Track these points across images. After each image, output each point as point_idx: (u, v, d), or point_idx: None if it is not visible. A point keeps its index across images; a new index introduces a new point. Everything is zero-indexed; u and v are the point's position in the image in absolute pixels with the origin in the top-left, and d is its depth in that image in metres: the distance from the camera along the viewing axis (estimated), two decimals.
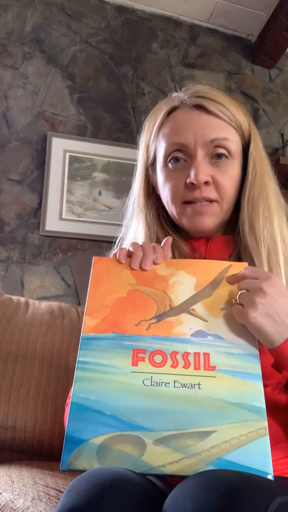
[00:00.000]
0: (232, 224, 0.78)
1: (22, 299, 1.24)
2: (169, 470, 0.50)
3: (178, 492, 0.48)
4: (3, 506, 0.63)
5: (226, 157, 0.72)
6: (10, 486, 0.74)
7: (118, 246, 0.85)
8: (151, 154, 0.79)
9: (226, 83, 2.35)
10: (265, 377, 0.68)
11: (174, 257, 0.76)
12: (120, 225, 0.87)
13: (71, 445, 0.52)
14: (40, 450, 0.99)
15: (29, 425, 0.98)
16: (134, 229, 0.82)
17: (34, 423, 0.98)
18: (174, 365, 0.56)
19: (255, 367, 0.56)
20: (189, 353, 0.57)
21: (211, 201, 0.72)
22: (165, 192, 0.76)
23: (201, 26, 2.37)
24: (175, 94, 0.77)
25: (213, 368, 0.56)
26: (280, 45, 2.28)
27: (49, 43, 2.09)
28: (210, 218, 0.73)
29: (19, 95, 2.00)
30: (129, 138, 2.09)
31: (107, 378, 0.56)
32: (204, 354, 0.57)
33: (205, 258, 0.76)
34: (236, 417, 0.53)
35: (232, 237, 0.77)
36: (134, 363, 0.56)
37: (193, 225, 0.74)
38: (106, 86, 2.14)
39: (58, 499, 0.68)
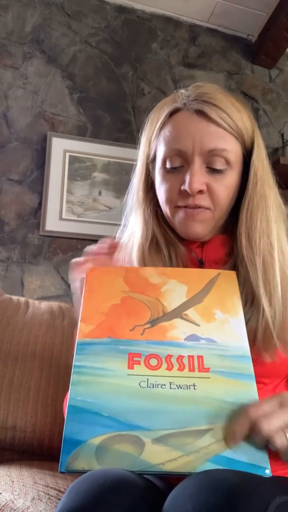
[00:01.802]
0: (230, 225, 0.77)
1: (22, 299, 1.24)
2: (168, 468, 0.50)
3: (178, 492, 0.48)
4: (3, 506, 0.63)
5: (224, 167, 0.71)
6: (10, 486, 0.74)
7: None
8: (152, 152, 0.79)
9: (226, 83, 2.35)
10: (265, 375, 0.68)
11: (170, 256, 0.76)
12: (120, 225, 0.87)
13: (69, 446, 0.52)
14: (40, 450, 0.99)
15: (29, 425, 0.98)
16: (132, 224, 0.82)
17: (34, 423, 0.98)
18: (169, 368, 0.57)
19: (248, 367, 0.58)
20: (183, 356, 0.58)
21: (204, 208, 0.72)
22: (160, 194, 0.76)
23: (201, 26, 2.37)
24: (180, 91, 0.76)
25: (207, 370, 0.57)
26: (280, 45, 2.28)
27: (49, 43, 2.09)
28: (201, 225, 0.73)
29: (19, 95, 2.00)
30: (129, 138, 2.09)
31: (103, 381, 0.56)
32: (198, 357, 0.58)
33: (201, 259, 0.77)
34: (231, 415, 0.54)
35: (228, 236, 0.77)
36: (130, 366, 0.57)
37: (184, 230, 0.74)
38: (106, 86, 2.14)
39: (58, 499, 0.68)
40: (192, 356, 0.58)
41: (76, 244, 1.92)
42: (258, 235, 0.70)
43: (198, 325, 0.61)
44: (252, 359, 0.64)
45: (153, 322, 0.61)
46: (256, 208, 0.71)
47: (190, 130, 0.71)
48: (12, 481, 0.76)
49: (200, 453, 0.51)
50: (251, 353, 0.63)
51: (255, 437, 0.51)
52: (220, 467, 0.50)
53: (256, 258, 0.69)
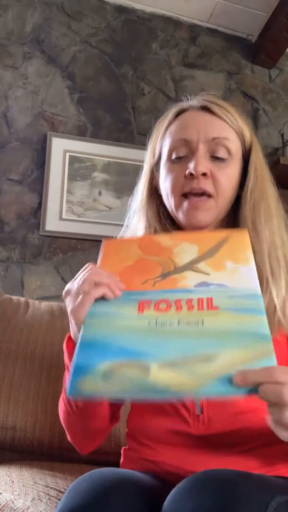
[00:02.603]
0: (231, 223, 0.79)
1: (22, 299, 1.24)
2: (174, 388, 0.49)
3: (178, 492, 0.48)
4: (3, 506, 0.63)
5: (226, 156, 0.76)
6: (10, 486, 0.74)
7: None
8: (157, 153, 0.83)
9: (226, 83, 2.35)
10: None
11: None
12: (120, 225, 0.88)
13: (78, 371, 0.52)
14: (40, 450, 0.99)
15: (29, 425, 0.98)
16: (134, 225, 0.85)
17: (34, 423, 0.98)
18: (178, 310, 0.58)
19: (258, 304, 0.56)
20: (192, 299, 0.58)
21: (207, 194, 0.75)
22: (165, 185, 0.79)
23: (201, 26, 2.37)
24: (185, 100, 0.83)
25: (216, 308, 0.56)
26: (280, 45, 2.28)
27: (49, 43, 2.09)
28: (205, 213, 0.75)
29: (19, 95, 2.00)
30: (129, 138, 2.09)
31: (114, 322, 0.57)
32: (207, 298, 0.58)
33: None
34: (240, 342, 0.52)
35: None
36: (140, 310, 0.58)
37: (189, 219, 0.76)
38: (106, 86, 2.14)
39: (58, 499, 0.69)
40: (202, 298, 0.58)
41: (76, 244, 1.92)
42: (263, 221, 0.74)
43: (209, 274, 0.62)
44: None
45: (164, 276, 0.63)
46: (259, 198, 0.77)
47: (195, 122, 0.77)
48: (12, 481, 0.77)
49: (207, 373, 0.50)
50: None
51: (271, 402, 0.46)
52: (226, 388, 0.47)
53: (261, 242, 0.72)
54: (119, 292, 0.60)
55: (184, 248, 0.67)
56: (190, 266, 0.64)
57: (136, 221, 0.85)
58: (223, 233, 0.68)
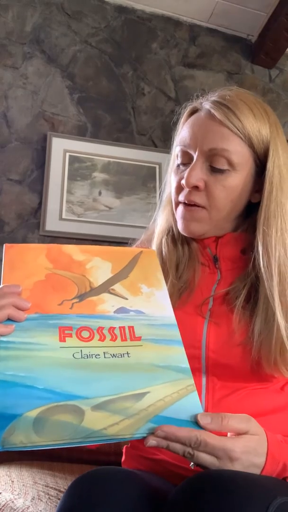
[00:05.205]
0: (247, 222, 0.77)
1: None
2: (111, 432, 0.49)
3: (179, 492, 0.48)
4: (3, 506, 0.63)
5: (226, 167, 0.71)
6: (10, 486, 0.74)
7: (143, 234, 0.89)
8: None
9: (226, 83, 2.34)
10: (263, 379, 0.68)
11: (184, 252, 0.78)
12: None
13: (3, 422, 0.48)
14: (40, 450, 0.99)
15: None
16: (159, 217, 0.85)
17: None
18: (101, 339, 0.57)
19: (175, 334, 0.60)
20: (114, 328, 0.59)
21: (199, 206, 0.73)
22: (171, 188, 0.79)
23: (201, 26, 2.37)
24: (202, 97, 0.79)
25: (138, 339, 0.59)
26: (280, 45, 2.28)
27: (49, 43, 2.09)
28: (197, 224, 0.74)
29: (19, 95, 2.00)
30: (129, 138, 2.09)
31: (34, 354, 0.54)
32: (129, 327, 0.59)
33: (215, 255, 0.77)
34: (165, 377, 0.55)
35: (244, 234, 0.76)
36: (62, 339, 0.56)
37: (182, 227, 0.76)
38: (106, 86, 2.14)
39: (58, 499, 0.68)
40: (123, 327, 0.59)
41: (76, 244, 1.91)
42: (274, 244, 0.69)
43: (126, 299, 0.63)
44: (270, 376, 0.66)
45: (81, 297, 0.61)
46: (273, 216, 0.70)
47: (196, 129, 0.73)
48: (12, 481, 0.76)
49: (141, 415, 0.51)
50: (267, 370, 0.65)
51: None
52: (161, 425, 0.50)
53: (272, 269, 0.68)
54: (26, 305, 0.56)
55: (97, 264, 0.66)
56: (107, 288, 0.64)
57: (160, 214, 0.85)
58: (133, 251, 0.70)
